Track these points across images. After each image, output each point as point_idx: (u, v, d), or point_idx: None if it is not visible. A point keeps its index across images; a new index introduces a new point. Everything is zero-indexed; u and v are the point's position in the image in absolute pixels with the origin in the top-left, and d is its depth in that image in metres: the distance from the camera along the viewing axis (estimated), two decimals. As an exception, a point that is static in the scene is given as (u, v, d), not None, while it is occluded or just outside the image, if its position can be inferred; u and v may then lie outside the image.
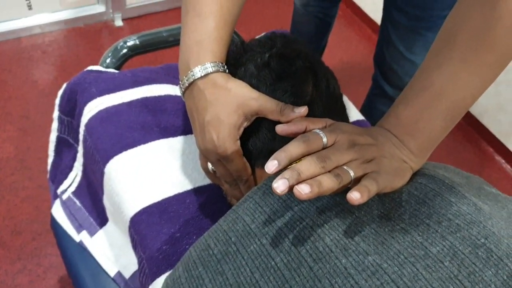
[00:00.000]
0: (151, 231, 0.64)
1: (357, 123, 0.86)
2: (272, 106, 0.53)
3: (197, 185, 0.68)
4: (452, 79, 0.50)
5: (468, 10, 0.49)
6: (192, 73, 0.55)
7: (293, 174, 0.41)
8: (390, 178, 0.48)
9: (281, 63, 0.56)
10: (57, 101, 0.85)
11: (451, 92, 0.50)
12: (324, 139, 0.46)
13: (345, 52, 2.09)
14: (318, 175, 0.43)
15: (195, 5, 0.57)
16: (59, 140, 0.89)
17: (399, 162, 0.51)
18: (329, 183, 0.42)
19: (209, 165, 0.58)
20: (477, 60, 0.49)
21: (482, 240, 0.44)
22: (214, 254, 0.47)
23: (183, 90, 0.57)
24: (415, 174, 0.53)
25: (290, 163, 0.44)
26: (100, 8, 2.00)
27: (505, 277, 0.41)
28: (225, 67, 0.56)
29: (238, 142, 0.54)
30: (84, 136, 0.78)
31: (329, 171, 0.44)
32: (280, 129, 0.51)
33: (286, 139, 0.51)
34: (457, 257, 0.42)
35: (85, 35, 1.97)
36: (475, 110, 1.77)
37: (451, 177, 0.53)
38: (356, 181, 0.45)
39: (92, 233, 0.81)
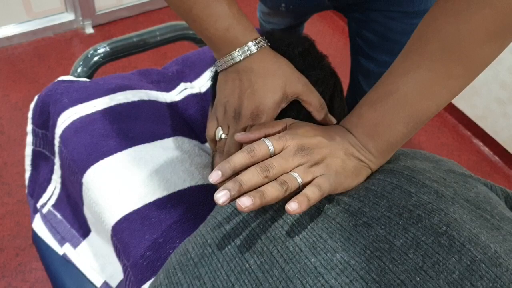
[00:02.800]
0: (134, 238, 0.63)
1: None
2: (315, 98, 0.55)
3: (177, 189, 0.68)
4: (418, 88, 0.49)
5: (441, 20, 0.48)
6: (245, 48, 0.52)
7: (235, 185, 0.41)
8: (342, 178, 0.48)
9: (313, 58, 0.60)
10: (30, 114, 0.84)
11: (415, 100, 0.50)
12: (271, 148, 0.46)
13: (319, 45, 2.09)
14: (262, 185, 0.43)
15: None
16: (35, 154, 0.87)
17: (355, 161, 0.50)
18: (273, 193, 0.42)
19: (218, 133, 0.57)
20: (446, 71, 0.48)
21: (444, 228, 0.44)
22: (192, 257, 0.47)
23: (230, 64, 0.54)
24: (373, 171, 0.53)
25: (235, 174, 0.44)
26: (69, 16, 1.97)
27: (468, 263, 0.42)
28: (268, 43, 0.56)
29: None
30: (60, 147, 0.76)
31: (275, 179, 0.44)
32: (239, 137, 0.51)
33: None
34: (421, 248, 0.43)
35: (56, 44, 1.94)
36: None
37: (414, 165, 0.53)
38: (306, 185, 0.45)
39: (75, 245, 0.80)
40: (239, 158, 0.44)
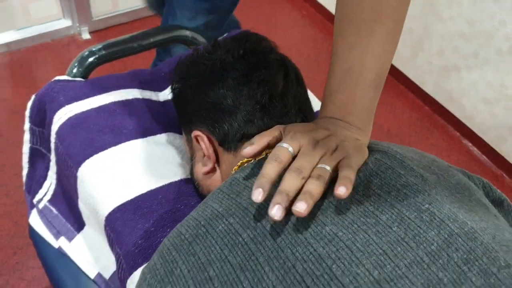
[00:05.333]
0: (126, 227, 0.66)
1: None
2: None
3: (168, 181, 0.71)
4: (367, 54, 0.55)
5: None
6: None
7: (283, 197, 0.45)
8: (358, 157, 0.52)
9: (256, 56, 0.63)
10: (27, 112, 0.87)
11: (370, 65, 0.55)
12: (290, 149, 0.50)
13: (312, 50, 2.14)
14: (302, 186, 0.47)
15: None
16: (32, 151, 0.90)
17: (355, 141, 0.55)
18: (317, 189, 0.46)
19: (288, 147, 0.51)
20: (382, 29, 0.55)
21: (426, 206, 0.48)
22: (186, 238, 0.50)
23: None
24: (371, 150, 0.57)
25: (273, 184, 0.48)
26: (66, 23, 2.01)
27: (446, 236, 0.45)
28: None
29: None
30: (56, 143, 0.80)
31: (310, 177, 0.48)
32: (247, 152, 0.53)
33: (262, 124, 0.59)
34: (404, 222, 0.46)
35: (53, 50, 1.97)
36: (440, 97, 1.83)
37: (404, 153, 0.57)
38: (334, 171, 0.49)
39: (70, 238, 0.83)
40: (271, 170, 0.48)
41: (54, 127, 0.79)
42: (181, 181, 0.72)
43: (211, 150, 0.64)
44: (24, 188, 0.94)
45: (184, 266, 0.48)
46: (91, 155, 0.73)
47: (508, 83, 1.57)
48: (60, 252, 0.83)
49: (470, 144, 1.79)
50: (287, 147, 0.50)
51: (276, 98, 0.62)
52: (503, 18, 1.52)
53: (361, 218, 0.47)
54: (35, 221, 0.88)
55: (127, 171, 0.71)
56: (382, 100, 1.98)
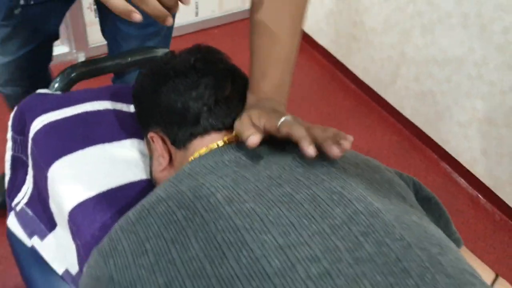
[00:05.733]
0: (85, 221, 0.73)
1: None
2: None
3: (129, 181, 0.78)
4: (274, 56, 0.73)
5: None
6: None
7: (309, 140, 0.57)
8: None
9: (205, 65, 0.72)
10: (10, 122, 0.95)
11: (282, 52, 0.72)
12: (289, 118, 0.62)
13: (299, 79, 2.23)
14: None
15: None
16: (14, 159, 0.98)
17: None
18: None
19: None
20: (284, 31, 0.74)
21: (339, 189, 0.54)
22: (131, 219, 0.57)
23: None
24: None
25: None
26: (64, 49, 2.12)
27: (350, 213, 0.52)
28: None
29: None
30: (32, 148, 0.87)
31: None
32: (255, 141, 0.59)
33: (207, 124, 0.68)
34: (315, 201, 0.53)
35: (52, 73, 2.08)
36: (418, 121, 1.90)
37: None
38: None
39: (42, 237, 0.89)
40: (302, 130, 0.58)
41: (31, 134, 0.87)
42: (141, 181, 0.78)
43: (165, 149, 0.71)
44: (6, 194, 1.01)
45: (126, 242, 0.54)
46: (60, 157, 0.80)
47: (479, 106, 1.65)
48: (32, 251, 0.89)
49: (447, 166, 1.85)
50: (290, 117, 0.63)
51: (221, 101, 0.70)
52: (472, 45, 1.60)
53: (278, 197, 0.53)
54: (12, 222, 0.94)
55: (91, 171, 0.78)
56: (364, 124, 2.07)
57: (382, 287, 0.46)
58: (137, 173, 0.79)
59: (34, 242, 0.89)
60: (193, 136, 0.69)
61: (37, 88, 0.98)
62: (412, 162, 1.87)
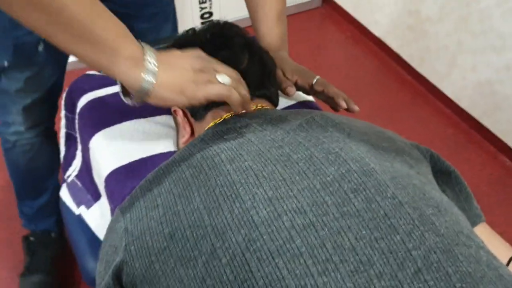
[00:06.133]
0: (118, 186, 0.79)
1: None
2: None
3: (158, 152, 0.83)
4: (262, 16, 0.87)
5: None
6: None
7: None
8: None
9: (221, 39, 0.75)
10: (63, 101, 1.04)
11: (281, 6, 0.87)
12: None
13: (351, 69, 2.21)
14: None
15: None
16: (67, 136, 1.07)
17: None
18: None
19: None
20: None
21: (337, 150, 0.56)
22: (148, 179, 0.62)
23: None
24: (312, 112, 0.67)
25: None
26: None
27: (343, 171, 0.53)
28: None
29: None
30: (78, 123, 0.95)
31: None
32: (291, 91, 0.84)
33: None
34: (311, 160, 0.55)
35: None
36: (475, 112, 1.83)
37: (348, 122, 0.66)
38: None
39: (88, 207, 0.97)
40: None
41: (78, 110, 0.95)
42: (169, 152, 0.84)
43: (186, 122, 0.75)
44: (61, 167, 1.11)
45: (142, 199, 0.59)
46: (100, 130, 0.87)
47: (540, 95, 1.55)
48: (79, 219, 0.97)
49: (506, 159, 1.76)
50: (319, 77, 0.85)
51: (252, 68, 0.73)
52: (532, 30, 1.52)
53: (276, 157, 0.56)
54: (63, 193, 1.03)
55: (126, 142, 0.85)
56: (418, 116, 2.01)
57: (367, 241, 0.47)
58: (167, 145, 0.85)
59: (81, 211, 0.98)
60: (208, 108, 0.72)
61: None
62: (468, 155, 1.79)
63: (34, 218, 1.38)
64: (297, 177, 0.53)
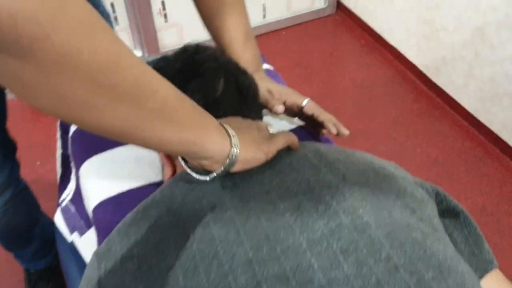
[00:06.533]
0: (105, 221, 0.75)
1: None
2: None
3: (149, 182, 0.79)
4: (238, 33, 0.79)
5: None
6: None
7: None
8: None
9: (192, 67, 0.66)
10: (58, 122, 1.01)
11: (245, 27, 0.80)
12: None
13: (366, 77, 2.15)
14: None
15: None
16: (63, 157, 1.04)
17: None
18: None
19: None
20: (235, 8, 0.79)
21: (327, 198, 0.50)
22: (126, 221, 0.58)
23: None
24: (305, 147, 0.62)
25: None
26: (137, 53, 2.22)
27: (333, 226, 0.48)
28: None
29: None
30: (70, 147, 0.92)
31: None
32: (280, 110, 0.79)
33: None
34: (299, 211, 0.49)
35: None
36: (494, 126, 1.75)
37: (347, 155, 0.60)
38: None
39: (81, 234, 0.94)
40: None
41: (71, 133, 0.92)
42: (161, 181, 0.79)
43: (166, 158, 0.70)
44: (58, 189, 1.08)
45: (119, 245, 0.55)
46: (91, 156, 0.84)
47: None
48: (72, 246, 0.94)
49: (526, 176, 1.67)
50: (310, 100, 0.80)
51: (211, 104, 0.64)
52: (554, 41, 1.44)
53: (261, 204, 0.51)
54: (57, 218, 1.00)
55: (116, 170, 0.81)
56: (434, 129, 1.92)
57: None
58: (158, 174, 0.80)
59: (74, 238, 0.94)
60: None
61: None
62: (486, 170, 1.71)
63: (31, 261, 1.32)
64: (282, 233, 0.47)
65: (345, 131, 0.76)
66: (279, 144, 0.60)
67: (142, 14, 2.09)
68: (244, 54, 0.80)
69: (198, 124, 0.51)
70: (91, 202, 0.79)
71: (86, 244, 0.91)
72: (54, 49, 0.32)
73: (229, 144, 0.53)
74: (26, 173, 1.77)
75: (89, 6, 0.35)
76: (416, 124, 1.91)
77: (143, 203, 0.59)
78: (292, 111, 0.81)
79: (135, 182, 0.79)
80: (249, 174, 0.56)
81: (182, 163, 0.57)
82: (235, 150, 0.53)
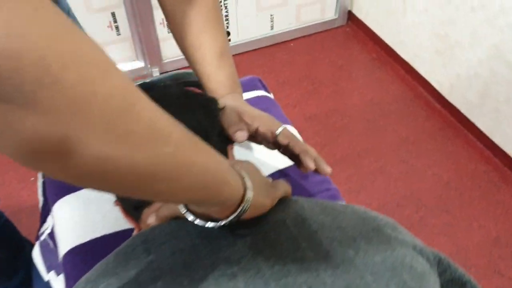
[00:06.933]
0: (74, 270, 0.69)
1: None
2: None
3: (124, 228, 0.72)
4: (213, 49, 0.72)
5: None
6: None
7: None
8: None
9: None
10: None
11: (221, 45, 0.72)
12: None
13: (377, 93, 2.06)
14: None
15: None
16: (44, 185, 0.98)
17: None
18: None
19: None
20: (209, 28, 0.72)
21: (304, 286, 0.43)
22: (96, 269, 0.52)
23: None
24: (284, 210, 0.54)
25: None
26: (139, 64, 2.17)
27: None
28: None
29: None
30: (45, 182, 0.85)
31: None
32: (242, 137, 0.65)
33: None
34: None
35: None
36: (509, 148, 1.65)
37: (333, 222, 0.53)
38: None
39: (58, 273, 0.87)
40: None
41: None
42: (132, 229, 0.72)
43: (129, 218, 0.63)
44: (39, 218, 1.02)
45: None
46: (65, 195, 0.77)
47: None
48: (48, 285, 0.87)
49: (545, 203, 1.57)
50: (285, 128, 0.67)
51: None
52: None
53: None
54: (35, 253, 0.94)
55: (90, 214, 0.74)
56: (447, 149, 1.82)
57: None
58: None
59: (50, 277, 0.88)
60: (140, 209, 0.59)
61: None
62: (501, 197, 1.61)
63: None
64: None
65: (327, 169, 0.63)
66: (281, 191, 0.55)
67: (145, 24, 2.03)
68: (216, 74, 0.72)
69: (221, 181, 0.44)
70: (62, 247, 0.72)
71: (62, 285, 0.85)
72: (64, 93, 0.25)
73: (242, 187, 0.46)
74: (20, 188, 1.73)
75: (95, 42, 0.29)
76: (427, 144, 1.81)
77: (97, 266, 0.53)
78: (267, 140, 0.69)
79: (109, 228, 0.72)
80: (218, 245, 0.48)
81: (183, 210, 0.49)
82: (250, 194, 0.46)
